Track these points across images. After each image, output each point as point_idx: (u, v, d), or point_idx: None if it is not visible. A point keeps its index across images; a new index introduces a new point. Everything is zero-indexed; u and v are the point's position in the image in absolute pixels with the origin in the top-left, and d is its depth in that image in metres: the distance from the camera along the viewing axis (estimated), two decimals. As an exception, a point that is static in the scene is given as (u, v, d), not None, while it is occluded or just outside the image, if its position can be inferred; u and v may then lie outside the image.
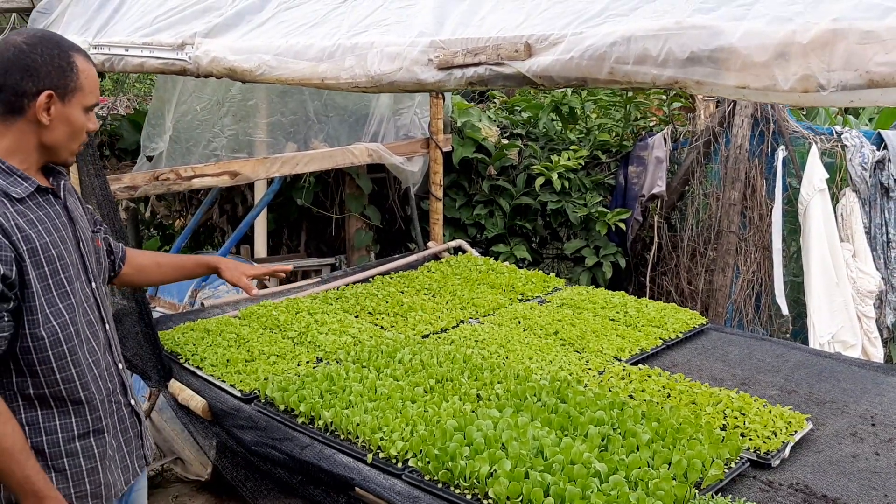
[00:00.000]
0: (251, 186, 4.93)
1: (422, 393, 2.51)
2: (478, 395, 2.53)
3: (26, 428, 1.80)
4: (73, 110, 1.84)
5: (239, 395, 2.66)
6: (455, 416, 2.35)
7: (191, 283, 4.05)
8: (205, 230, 5.75)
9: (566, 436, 2.23)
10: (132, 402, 2.07)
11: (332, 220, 4.90)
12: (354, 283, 3.93)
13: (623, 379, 2.77)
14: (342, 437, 2.34)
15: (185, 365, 2.91)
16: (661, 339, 3.22)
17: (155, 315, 4.17)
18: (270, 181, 4.27)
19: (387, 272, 4.12)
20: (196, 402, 2.73)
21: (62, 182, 1.97)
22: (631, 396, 2.62)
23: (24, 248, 1.74)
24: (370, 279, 3.99)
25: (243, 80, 2.14)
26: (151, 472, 4.38)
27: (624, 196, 5.14)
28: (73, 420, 1.86)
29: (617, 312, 3.49)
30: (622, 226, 4.85)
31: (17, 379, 1.80)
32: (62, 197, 1.94)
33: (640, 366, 2.89)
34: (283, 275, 2.77)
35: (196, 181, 3.48)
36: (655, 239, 5.06)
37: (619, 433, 2.24)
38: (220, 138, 3.63)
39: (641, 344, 3.13)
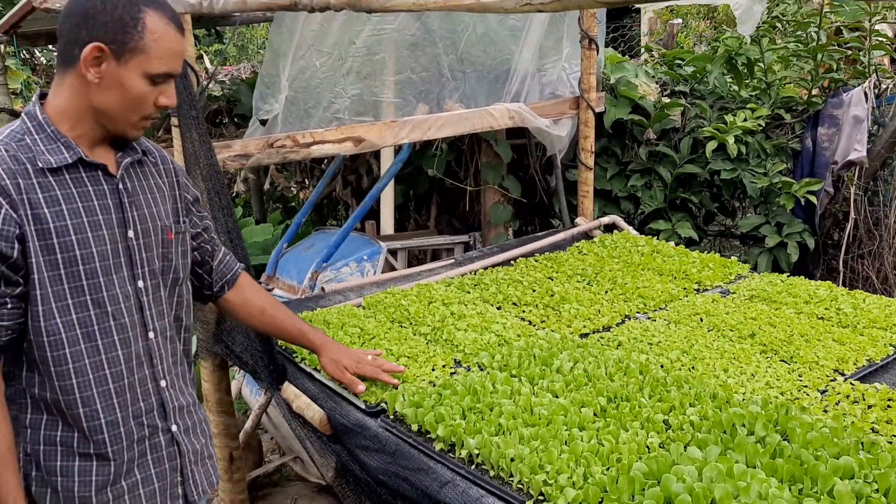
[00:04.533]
0: (377, 155, 4.51)
1: (591, 417, 1.98)
2: (665, 423, 1.97)
3: (29, 431, 1.62)
4: (129, 73, 1.58)
5: (363, 406, 2.22)
6: (640, 455, 1.81)
7: (312, 262, 3.68)
8: (328, 203, 5.42)
9: (800, 492, 1.65)
10: (174, 427, 1.75)
11: (466, 192, 4.41)
12: (493, 265, 3.43)
13: (856, 403, 2.13)
14: (492, 473, 1.85)
15: (302, 365, 2.51)
16: (891, 345, 2.54)
17: (273, 299, 3.84)
18: (398, 149, 3.82)
19: (530, 253, 3.60)
20: (313, 413, 2.32)
21: (128, 159, 1.70)
22: (874, 430, 1.99)
23: (33, 228, 1.54)
24: (511, 262, 3.48)
25: (369, 9, 1.66)
26: (272, 468, 4.10)
27: (812, 163, 4.37)
28: (75, 435, 1.62)
29: (826, 309, 2.82)
30: (812, 199, 4.10)
31: (27, 374, 1.62)
32: (117, 175, 1.66)
33: (878, 385, 2.24)
34: (395, 382, 2.26)
35: (315, 149, 3.06)
36: (851, 214, 4.28)
37: (879, 491, 1.63)
38: (342, 99, 3.20)
39: (868, 352, 2.47)
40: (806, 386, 2.26)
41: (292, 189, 4.96)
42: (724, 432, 1.89)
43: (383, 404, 2.19)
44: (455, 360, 2.48)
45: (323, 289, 3.25)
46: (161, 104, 1.67)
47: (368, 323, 2.72)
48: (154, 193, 1.78)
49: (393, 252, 4.21)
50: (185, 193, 1.91)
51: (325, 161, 4.57)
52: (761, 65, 4.53)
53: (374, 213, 4.58)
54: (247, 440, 3.66)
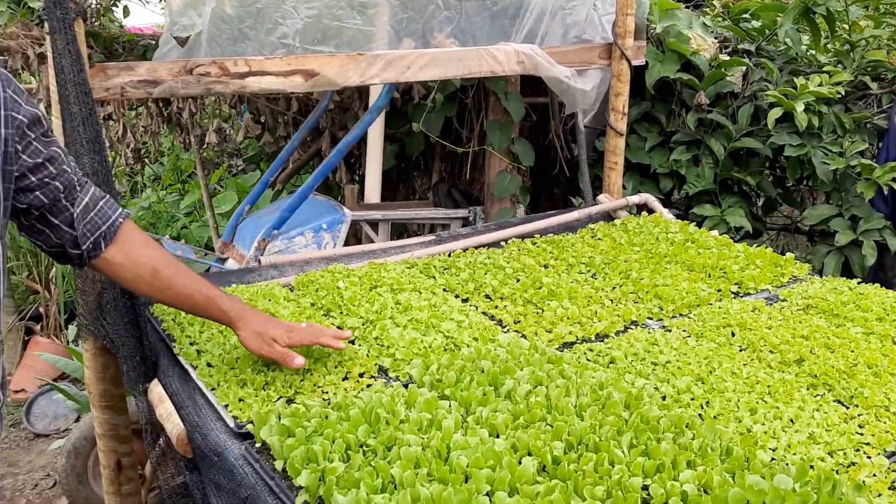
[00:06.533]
0: (367, 105, 3.91)
1: (531, 475, 1.36)
2: (645, 492, 1.34)
3: None
4: None
5: (232, 424, 1.65)
6: (590, 548, 1.19)
7: (261, 227, 3.12)
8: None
9: None
10: None
11: (469, 157, 3.78)
12: (479, 247, 2.82)
13: (945, 480, 1.47)
14: (363, 552, 1.25)
15: (180, 357, 1.94)
16: None
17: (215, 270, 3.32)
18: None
19: (531, 234, 2.97)
20: (172, 427, 1.76)
21: None
22: (973, 530, 1.33)
23: None
24: (503, 243, 2.86)
25: None
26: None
27: (902, 145, 3.62)
28: None
29: (908, 331, 2.14)
30: (898, 188, 3.36)
31: None
32: None
33: (979, 453, 1.56)
34: (341, 346, 1.82)
35: (251, 81, 2.48)
36: (948, 212, 3.52)
37: None
38: (292, 20, 2.59)
39: (964, 399, 1.79)
40: (867, 443, 1.60)
41: (274, 144, 4.38)
42: (733, 518, 1.25)
43: (250, 426, 1.61)
44: (381, 366, 1.88)
45: (259, 261, 2.68)
46: None
47: (284, 308, 2.14)
48: None
49: (374, 225, 3.62)
50: (13, 113, 1.40)
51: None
52: (845, 24, 3.78)
53: (361, 178, 4.00)
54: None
